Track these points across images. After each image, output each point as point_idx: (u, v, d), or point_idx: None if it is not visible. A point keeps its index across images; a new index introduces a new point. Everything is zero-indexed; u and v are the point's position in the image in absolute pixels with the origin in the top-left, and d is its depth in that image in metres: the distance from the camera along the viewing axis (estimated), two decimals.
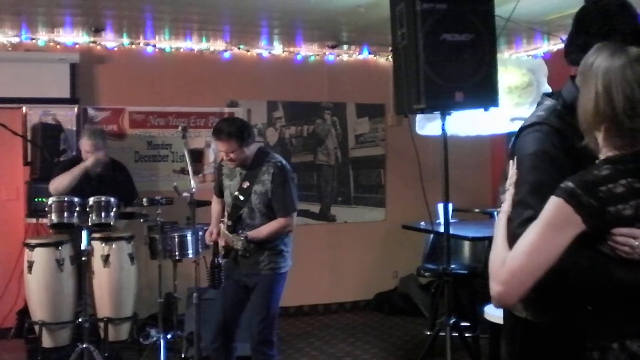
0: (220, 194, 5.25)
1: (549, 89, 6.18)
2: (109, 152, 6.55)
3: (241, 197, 4.95)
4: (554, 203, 2.18)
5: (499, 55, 4.73)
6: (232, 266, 4.95)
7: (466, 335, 4.91)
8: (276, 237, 4.94)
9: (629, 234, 2.17)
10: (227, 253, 4.99)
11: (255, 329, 4.94)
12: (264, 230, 4.85)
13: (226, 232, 4.92)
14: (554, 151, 2.43)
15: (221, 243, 5.01)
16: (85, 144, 6.15)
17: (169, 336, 5.82)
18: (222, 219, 5.15)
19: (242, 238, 4.68)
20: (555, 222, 2.18)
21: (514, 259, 2.22)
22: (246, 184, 4.96)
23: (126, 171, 6.59)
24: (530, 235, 2.21)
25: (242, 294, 4.99)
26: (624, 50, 2.25)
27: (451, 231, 5.05)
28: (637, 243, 2.17)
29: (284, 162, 5.08)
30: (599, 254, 2.21)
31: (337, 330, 7.57)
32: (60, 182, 5.92)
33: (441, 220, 5.44)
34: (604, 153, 2.27)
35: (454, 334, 4.75)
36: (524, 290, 2.22)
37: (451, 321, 4.71)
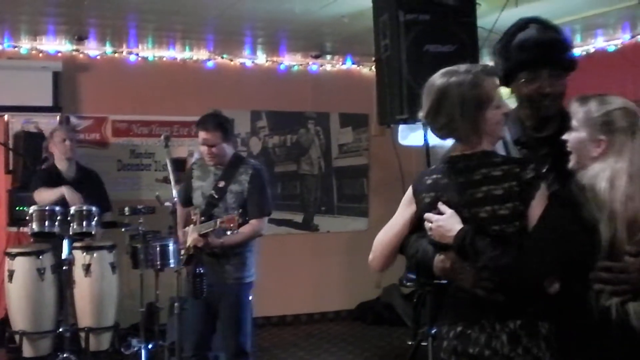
0: (185, 202, 5.13)
1: None
2: (90, 160, 6.55)
3: (216, 196, 4.94)
4: (410, 186, 2.73)
5: None
6: None
7: None
8: (245, 244, 4.93)
9: (427, 218, 2.61)
10: (190, 259, 4.98)
11: (230, 342, 4.96)
12: (239, 234, 4.80)
13: (195, 227, 4.86)
14: None
15: (190, 240, 4.96)
16: (60, 132, 6.28)
17: (150, 346, 5.79)
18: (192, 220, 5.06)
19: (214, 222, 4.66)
20: (405, 200, 2.76)
21: (380, 233, 2.82)
22: (222, 183, 4.95)
23: (99, 179, 6.58)
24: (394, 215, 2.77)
25: (211, 304, 4.95)
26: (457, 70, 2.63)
27: None
28: (429, 226, 2.60)
29: (261, 166, 5.17)
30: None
31: (320, 340, 7.56)
32: (44, 198, 5.91)
33: None
34: None
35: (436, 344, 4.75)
36: (384, 259, 2.79)
37: (433, 331, 4.71)
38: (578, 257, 2.40)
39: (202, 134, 4.96)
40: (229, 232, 4.62)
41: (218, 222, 4.61)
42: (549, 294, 2.41)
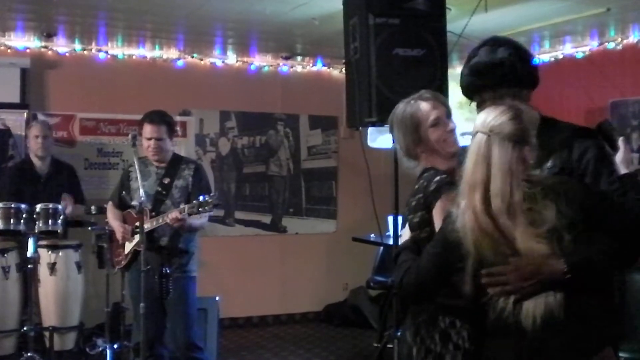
0: (120, 204, 5.23)
1: None
2: (58, 156, 6.51)
3: (163, 192, 5.06)
4: None
5: (450, 71, 4.77)
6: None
7: None
8: (192, 238, 5.10)
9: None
10: (131, 262, 5.06)
11: (181, 338, 5.03)
12: (194, 220, 4.94)
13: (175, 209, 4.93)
14: None
15: (129, 247, 5.09)
16: (35, 128, 6.23)
17: (115, 346, 5.77)
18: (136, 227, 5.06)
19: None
20: None
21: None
22: (167, 180, 5.09)
23: (74, 172, 6.54)
24: None
25: (159, 300, 4.95)
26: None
27: None
28: None
29: (201, 163, 5.58)
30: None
31: (286, 342, 7.55)
32: None
33: (391, 232, 5.47)
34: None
35: None
36: None
37: (399, 333, 4.73)
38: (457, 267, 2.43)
39: (149, 127, 5.08)
40: (198, 216, 4.81)
41: (200, 201, 4.68)
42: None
